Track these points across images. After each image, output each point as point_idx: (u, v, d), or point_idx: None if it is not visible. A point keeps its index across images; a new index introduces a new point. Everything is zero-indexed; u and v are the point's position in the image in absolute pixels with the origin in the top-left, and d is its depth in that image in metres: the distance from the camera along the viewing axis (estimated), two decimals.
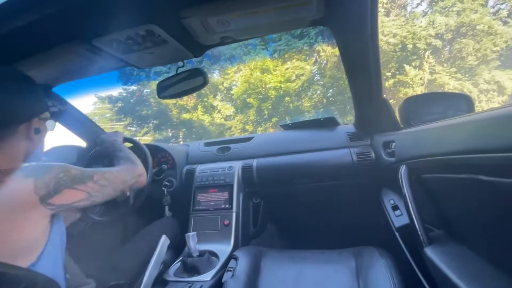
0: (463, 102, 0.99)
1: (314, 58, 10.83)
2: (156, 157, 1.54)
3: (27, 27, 0.65)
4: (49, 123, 0.74)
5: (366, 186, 1.25)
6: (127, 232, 1.28)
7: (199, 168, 1.41)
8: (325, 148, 1.34)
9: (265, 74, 11.22)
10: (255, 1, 0.69)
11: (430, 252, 0.71)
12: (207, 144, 1.63)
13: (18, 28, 0.65)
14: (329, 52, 10.20)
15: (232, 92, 12.49)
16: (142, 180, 0.87)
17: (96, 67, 0.97)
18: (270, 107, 11.24)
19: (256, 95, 11.43)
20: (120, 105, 13.49)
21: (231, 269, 0.92)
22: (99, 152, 1.20)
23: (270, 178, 1.34)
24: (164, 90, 1.07)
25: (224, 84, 12.82)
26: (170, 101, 11.98)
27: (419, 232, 0.75)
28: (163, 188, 1.40)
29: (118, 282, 0.87)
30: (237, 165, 1.36)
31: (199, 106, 12.80)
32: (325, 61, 10.59)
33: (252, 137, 1.57)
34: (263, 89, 11.32)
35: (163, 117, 13.17)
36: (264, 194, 1.44)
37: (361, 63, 0.94)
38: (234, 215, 1.23)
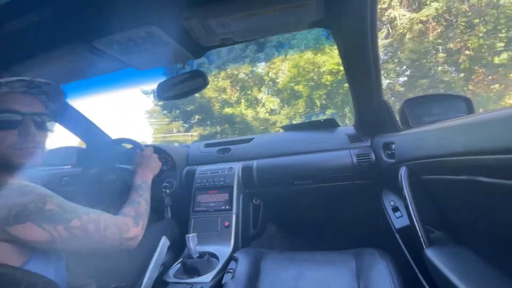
0: (463, 103, 0.99)
1: (386, 30, 8.55)
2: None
3: (28, 29, 0.65)
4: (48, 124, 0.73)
5: (366, 188, 1.24)
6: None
7: (199, 169, 1.41)
8: (325, 150, 1.34)
9: (319, 55, 8.88)
10: (255, 3, 0.69)
11: (430, 253, 0.70)
12: (207, 145, 1.63)
13: (19, 30, 0.65)
14: (407, 19, 7.99)
15: (278, 81, 10.86)
16: (132, 244, 0.72)
17: (96, 68, 0.97)
18: (323, 96, 9.26)
19: (307, 82, 9.31)
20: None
21: (231, 270, 0.92)
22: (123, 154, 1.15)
23: (270, 179, 1.34)
24: (164, 91, 1.07)
25: (270, 75, 11.24)
26: (212, 95, 11.33)
27: (420, 234, 0.75)
28: (163, 189, 1.40)
29: (119, 284, 0.87)
30: (237, 166, 1.36)
31: (242, 100, 11.66)
32: (402, 31, 8.27)
33: (252, 138, 1.57)
34: (316, 74, 9.11)
35: (206, 112, 12.33)
36: (264, 195, 1.43)
37: (361, 65, 0.94)
38: (234, 216, 1.23)
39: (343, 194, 1.33)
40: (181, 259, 1.02)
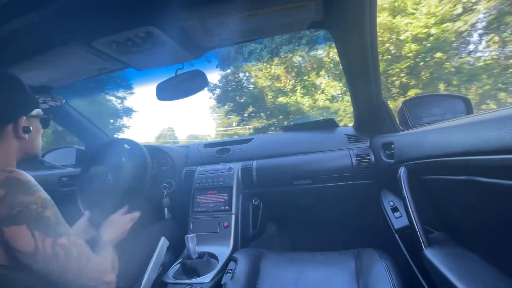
0: (461, 104, 0.99)
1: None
2: (155, 158, 1.53)
3: (28, 29, 0.65)
4: (42, 120, 0.73)
5: (366, 188, 1.25)
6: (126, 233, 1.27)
7: (199, 169, 1.41)
8: (325, 150, 1.34)
9: (399, 17, 6.61)
10: (255, 3, 0.69)
11: (429, 253, 0.70)
12: (206, 146, 1.63)
13: (19, 30, 0.65)
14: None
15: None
16: None
17: (96, 68, 0.97)
18: (404, 71, 6.85)
19: (381, 54, 6.61)
20: (218, 92, 12.33)
21: (230, 271, 0.92)
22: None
23: (270, 180, 1.34)
24: (163, 92, 1.07)
25: (331, 55, 9.55)
26: (265, 84, 10.51)
27: (419, 234, 0.75)
28: (162, 190, 1.40)
29: (118, 285, 0.87)
30: (237, 167, 1.36)
31: (298, 87, 10.38)
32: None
33: (252, 139, 1.57)
34: (394, 45, 6.83)
35: (259, 103, 11.38)
36: (264, 196, 1.43)
37: (360, 65, 0.94)
38: (233, 216, 1.22)
39: (342, 195, 1.33)
40: (180, 260, 1.02)
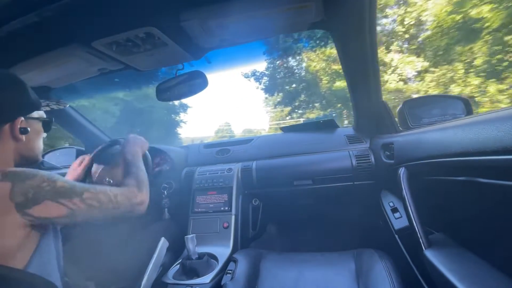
0: (461, 104, 1.00)
1: None
2: (156, 159, 1.53)
3: (28, 30, 0.65)
4: (44, 123, 0.72)
5: (365, 188, 1.25)
6: (125, 234, 1.27)
7: (198, 170, 1.41)
8: (325, 151, 1.34)
9: None
10: (254, 4, 0.69)
11: (429, 254, 0.70)
12: (206, 146, 1.63)
13: (19, 31, 0.65)
14: None
15: (422, 28, 7.00)
16: (141, 209, 0.74)
17: (96, 69, 0.97)
18: None
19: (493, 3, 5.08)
20: (265, 80, 11.10)
21: (230, 271, 0.92)
22: (115, 151, 1.09)
23: (269, 180, 1.34)
24: (164, 93, 1.07)
25: (407, 22, 7.61)
26: (318, 67, 8.98)
27: (419, 234, 0.75)
28: (162, 190, 1.40)
29: (118, 285, 0.87)
30: (237, 167, 1.36)
31: None
32: None
33: (252, 139, 1.57)
34: None
35: (312, 90, 9.92)
36: (264, 196, 1.43)
37: (360, 66, 0.95)
38: (233, 217, 1.22)
39: (342, 195, 1.33)
40: (180, 260, 1.02)
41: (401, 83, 8.05)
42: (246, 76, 12.30)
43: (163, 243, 0.96)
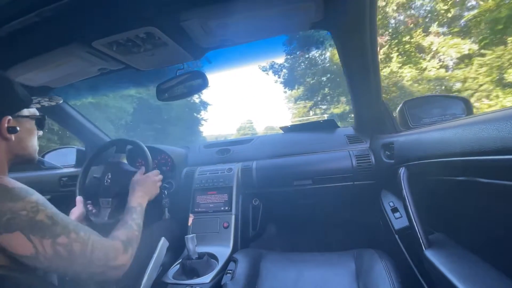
0: (461, 104, 1.00)
1: None
2: (156, 159, 1.54)
3: (28, 30, 0.65)
4: (37, 121, 0.71)
5: (366, 188, 1.25)
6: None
7: (199, 170, 1.41)
8: (325, 151, 1.34)
9: None
10: (255, 4, 0.69)
11: (429, 254, 0.70)
12: (206, 146, 1.63)
13: (19, 31, 0.65)
14: None
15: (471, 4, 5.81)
16: (116, 274, 0.64)
17: (96, 69, 0.97)
18: None
19: None
20: (285, 73, 10.29)
21: (230, 271, 0.92)
22: (120, 185, 1.08)
23: (270, 180, 1.34)
24: (164, 93, 1.07)
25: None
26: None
27: (419, 234, 0.75)
28: (163, 190, 1.40)
29: (118, 285, 0.87)
30: (237, 167, 1.36)
31: (394, 54, 7.45)
32: None
33: (252, 139, 1.57)
34: None
35: (335, 82, 8.88)
36: (264, 196, 1.43)
37: (361, 66, 0.95)
38: (233, 217, 1.22)
39: (342, 195, 1.33)
40: (180, 260, 1.02)
41: (443, 70, 6.84)
42: (264, 69, 11.58)
43: (163, 243, 0.96)
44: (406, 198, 0.82)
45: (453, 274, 0.61)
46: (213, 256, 1.06)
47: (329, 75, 9.22)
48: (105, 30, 0.74)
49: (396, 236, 0.97)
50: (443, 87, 6.60)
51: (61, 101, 0.80)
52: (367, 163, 1.22)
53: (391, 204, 1.06)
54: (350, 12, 0.73)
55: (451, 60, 6.72)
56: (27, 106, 0.68)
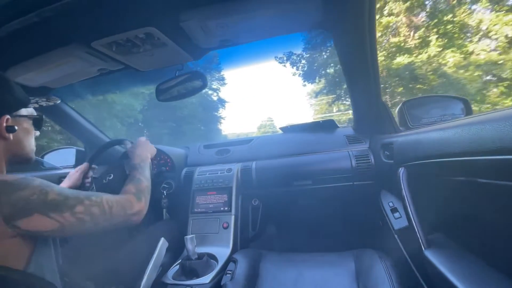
0: (461, 104, 1.00)
1: None
2: (155, 159, 1.53)
3: (27, 30, 0.65)
4: (34, 121, 0.71)
5: (365, 189, 1.25)
6: (125, 234, 1.27)
7: (198, 170, 1.41)
8: (324, 151, 1.34)
9: None
10: (254, 5, 0.69)
11: (429, 254, 0.71)
12: (206, 147, 1.63)
13: (18, 31, 0.65)
14: None
15: None
16: (136, 219, 0.73)
17: (95, 69, 0.97)
18: None
19: None
20: (303, 64, 9.38)
21: (230, 272, 0.92)
22: (121, 154, 1.11)
23: (269, 180, 1.34)
24: (163, 93, 1.07)
25: None
26: None
27: (418, 235, 0.75)
28: (162, 191, 1.39)
29: (118, 286, 0.87)
30: (236, 167, 1.36)
31: (433, 36, 6.39)
32: None
33: (252, 139, 1.57)
34: None
35: None
36: (263, 197, 1.43)
37: (360, 66, 0.95)
38: (233, 217, 1.22)
39: (342, 195, 1.34)
40: (179, 261, 1.02)
41: (494, 53, 5.69)
42: (281, 61, 10.43)
43: (162, 243, 0.96)
44: (406, 198, 0.82)
45: (453, 274, 0.61)
46: (212, 257, 1.06)
47: None
48: (105, 30, 0.74)
49: (396, 236, 0.97)
50: (494, 72, 5.37)
51: (58, 101, 0.82)
52: (366, 163, 1.22)
53: (391, 204, 1.06)
54: (350, 12, 0.73)
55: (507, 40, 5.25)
56: (26, 106, 0.68)
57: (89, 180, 1.12)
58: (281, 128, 1.61)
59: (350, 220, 1.45)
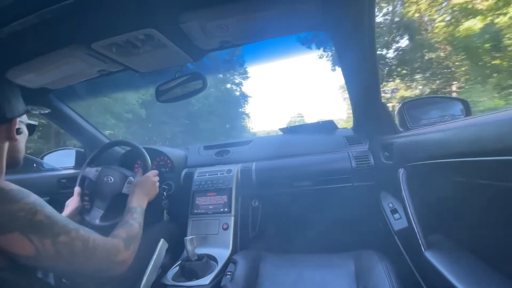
0: (460, 105, 1.00)
1: None
2: (155, 160, 1.54)
3: (27, 32, 0.65)
4: (28, 126, 0.73)
5: (365, 190, 1.25)
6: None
7: (198, 171, 1.41)
8: (324, 152, 1.34)
9: None
10: (254, 6, 0.69)
11: (429, 255, 0.71)
12: (206, 148, 1.63)
13: (18, 32, 0.65)
14: None
15: None
16: (120, 269, 0.66)
17: (95, 70, 0.97)
18: None
19: None
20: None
21: (229, 273, 0.92)
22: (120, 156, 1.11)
23: (269, 181, 1.34)
24: (163, 94, 1.08)
25: None
26: (425, 6, 5.24)
27: (418, 236, 0.75)
28: (162, 192, 1.39)
29: (117, 287, 0.86)
30: (236, 168, 1.36)
31: None
32: None
33: (251, 140, 1.57)
34: None
35: (407, 54, 6.03)
36: (263, 197, 1.43)
37: (359, 67, 0.95)
38: (232, 218, 1.22)
39: (342, 196, 1.34)
40: (179, 262, 1.02)
41: None
42: (305, 42, 8.12)
43: (162, 245, 0.96)
44: (405, 199, 0.82)
45: (452, 274, 0.61)
46: (212, 258, 1.06)
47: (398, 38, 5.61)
48: (105, 32, 0.74)
49: (396, 237, 0.97)
50: None
51: (47, 111, 0.83)
52: (366, 164, 1.22)
53: (390, 205, 1.06)
54: (349, 13, 0.74)
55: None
56: (22, 115, 0.69)
57: (87, 202, 1.12)
58: (280, 129, 1.61)
59: (350, 221, 1.45)
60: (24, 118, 0.72)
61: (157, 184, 1.04)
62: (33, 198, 0.56)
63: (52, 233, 0.55)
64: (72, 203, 1.07)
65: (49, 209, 0.57)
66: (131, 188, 0.98)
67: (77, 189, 1.10)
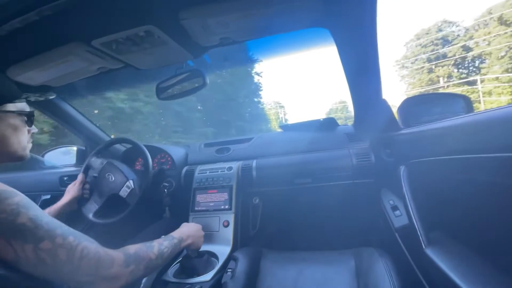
0: (462, 102, 0.99)
1: None
2: (156, 158, 1.54)
3: (27, 29, 0.65)
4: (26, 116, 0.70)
5: (366, 187, 1.25)
6: (126, 233, 1.28)
7: (199, 168, 1.42)
8: (325, 149, 1.34)
9: None
10: (254, 2, 0.69)
11: (430, 252, 0.71)
12: (207, 145, 1.63)
13: (18, 29, 0.65)
14: None
15: None
16: (109, 286, 0.56)
17: (95, 68, 0.97)
18: None
19: None
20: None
21: (230, 270, 0.92)
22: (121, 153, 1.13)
23: (270, 179, 1.34)
24: (163, 92, 1.07)
25: None
26: None
27: (419, 233, 0.75)
28: (163, 189, 1.40)
29: None
30: (237, 166, 1.36)
31: None
32: None
33: (252, 138, 1.57)
34: None
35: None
36: (264, 195, 1.44)
37: (361, 64, 0.94)
38: (233, 215, 1.23)
39: (342, 193, 1.34)
40: (180, 259, 1.03)
41: None
42: None
43: None
44: (406, 196, 0.82)
45: (453, 271, 0.61)
46: (213, 255, 1.07)
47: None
48: (105, 29, 0.74)
49: (396, 234, 0.97)
50: None
51: (53, 96, 0.78)
52: (367, 162, 1.22)
53: (391, 202, 1.06)
54: (350, 9, 0.73)
55: None
56: (11, 101, 0.65)
57: (87, 190, 1.14)
58: (280, 126, 1.61)
59: (351, 218, 1.45)
60: (20, 107, 0.68)
61: (202, 240, 0.97)
62: (18, 199, 0.52)
63: (34, 238, 0.50)
64: (72, 190, 1.08)
65: (35, 211, 0.52)
66: (128, 193, 0.98)
67: (80, 176, 1.11)
